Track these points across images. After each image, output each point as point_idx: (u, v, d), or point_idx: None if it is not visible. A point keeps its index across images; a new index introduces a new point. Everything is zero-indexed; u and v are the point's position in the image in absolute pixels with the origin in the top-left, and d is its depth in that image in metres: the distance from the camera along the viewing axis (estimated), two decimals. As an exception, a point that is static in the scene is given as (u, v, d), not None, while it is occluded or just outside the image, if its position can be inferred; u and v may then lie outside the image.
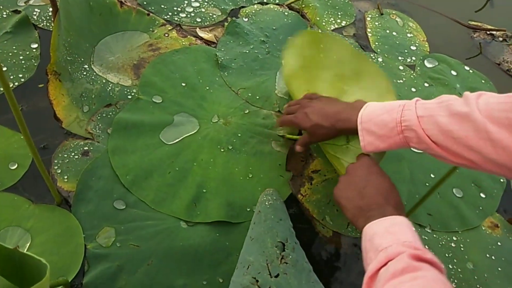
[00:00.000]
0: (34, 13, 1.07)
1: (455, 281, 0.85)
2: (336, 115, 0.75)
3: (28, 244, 0.74)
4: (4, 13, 1.05)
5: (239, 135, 0.97)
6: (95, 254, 0.76)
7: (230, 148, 0.94)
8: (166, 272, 0.77)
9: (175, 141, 0.92)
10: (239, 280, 0.70)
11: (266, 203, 0.82)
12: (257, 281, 0.69)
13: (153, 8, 1.17)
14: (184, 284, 0.76)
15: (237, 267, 0.73)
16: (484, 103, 0.58)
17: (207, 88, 1.04)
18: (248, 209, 0.86)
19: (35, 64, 0.98)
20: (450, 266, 0.87)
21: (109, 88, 0.98)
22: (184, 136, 0.94)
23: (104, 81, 0.99)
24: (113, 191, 0.84)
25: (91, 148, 0.88)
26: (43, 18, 1.07)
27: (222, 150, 0.93)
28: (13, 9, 1.06)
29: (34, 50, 1.00)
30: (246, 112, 1.02)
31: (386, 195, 0.66)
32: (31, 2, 1.09)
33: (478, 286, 0.86)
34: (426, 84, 1.18)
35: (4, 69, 0.95)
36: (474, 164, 0.59)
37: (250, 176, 0.91)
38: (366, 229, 0.62)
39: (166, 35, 1.12)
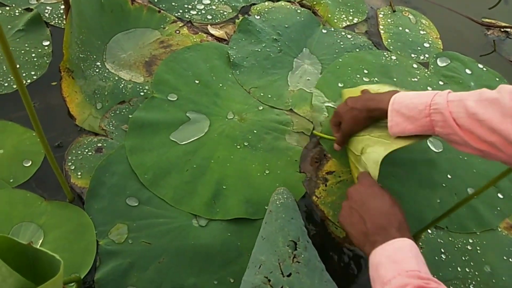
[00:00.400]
0: (46, 10, 1.08)
1: (473, 282, 0.84)
2: (370, 97, 0.80)
3: (41, 241, 0.74)
4: (17, 11, 1.05)
5: (255, 131, 0.96)
6: (107, 250, 0.76)
7: (246, 144, 0.94)
8: (177, 270, 0.76)
9: (190, 140, 0.92)
10: (250, 280, 0.69)
11: (277, 202, 0.82)
12: (269, 280, 0.68)
13: (164, 5, 1.17)
14: (195, 283, 0.76)
15: (248, 266, 0.72)
16: None
17: (221, 85, 1.03)
18: (267, 206, 0.85)
19: (47, 61, 0.98)
20: (467, 270, 0.85)
21: (122, 85, 0.98)
22: (198, 136, 0.94)
23: (116, 78, 0.99)
24: (126, 187, 0.84)
25: (105, 144, 0.88)
26: (54, 15, 1.07)
27: (238, 147, 0.93)
28: (25, 7, 1.06)
29: (46, 48, 1.01)
30: (260, 108, 1.01)
31: (388, 216, 0.65)
32: (42, 0, 1.09)
33: (496, 289, 0.84)
34: (441, 83, 1.16)
35: (17, 66, 0.95)
36: (495, 148, 0.60)
37: (267, 172, 0.91)
38: (371, 258, 0.61)
39: (177, 32, 1.12)
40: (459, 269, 0.85)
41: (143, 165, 0.87)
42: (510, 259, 0.88)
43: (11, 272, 0.36)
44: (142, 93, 0.97)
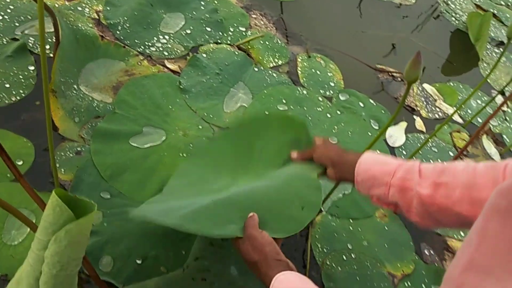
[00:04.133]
0: (29, 40, 1.29)
1: (355, 251, 1.19)
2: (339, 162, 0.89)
3: (34, 221, 0.95)
4: (4, 40, 1.25)
5: (195, 144, 1.25)
6: (88, 230, 0.99)
7: (187, 153, 1.22)
8: (142, 245, 1.00)
9: (144, 146, 1.18)
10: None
11: None
12: None
13: (128, 42, 1.43)
14: (156, 254, 1.00)
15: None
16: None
17: (170, 107, 1.31)
18: None
19: (33, 82, 1.19)
20: (350, 244, 1.20)
21: (95, 104, 1.22)
22: (155, 143, 1.21)
23: (90, 98, 1.23)
24: (101, 184, 1.08)
25: (83, 149, 1.12)
26: (37, 45, 1.29)
27: (180, 154, 1.21)
28: (12, 37, 1.26)
29: (32, 72, 1.21)
30: (200, 127, 1.31)
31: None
32: (26, 32, 1.31)
33: (371, 256, 1.20)
34: (338, 112, 1.56)
35: (7, 86, 1.15)
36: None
37: (202, 176, 1.19)
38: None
39: (139, 63, 1.39)
40: (345, 242, 1.20)
41: (104, 164, 1.11)
42: (381, 237, 1.26)
43: (66, 209, 0.61)
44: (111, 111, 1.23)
